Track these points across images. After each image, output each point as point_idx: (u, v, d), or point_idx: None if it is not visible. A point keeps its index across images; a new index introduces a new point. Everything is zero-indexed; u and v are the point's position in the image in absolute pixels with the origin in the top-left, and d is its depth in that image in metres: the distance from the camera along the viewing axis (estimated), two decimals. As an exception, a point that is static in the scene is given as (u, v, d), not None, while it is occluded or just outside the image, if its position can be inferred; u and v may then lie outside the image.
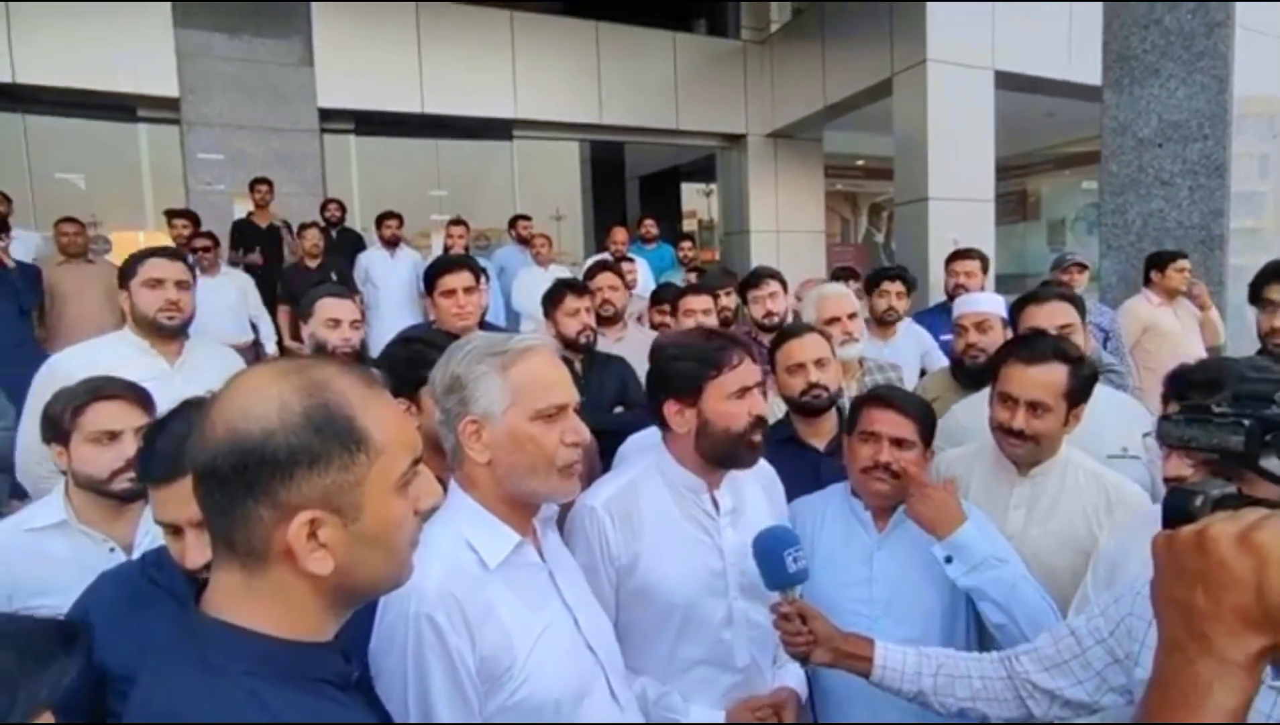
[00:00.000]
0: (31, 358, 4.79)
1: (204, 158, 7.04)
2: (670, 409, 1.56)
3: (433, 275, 2.65)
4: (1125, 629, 1.15)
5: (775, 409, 2.36)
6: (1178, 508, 0.70)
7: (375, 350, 2.91)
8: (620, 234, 6.61)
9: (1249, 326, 2.68)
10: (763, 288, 3.26)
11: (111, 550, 1.63)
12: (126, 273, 2.27)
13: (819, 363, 2.14)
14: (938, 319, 3.71)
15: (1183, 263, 4.41)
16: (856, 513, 1.79)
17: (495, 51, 8.26)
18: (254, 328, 5.69)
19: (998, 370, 1.84)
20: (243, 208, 6.63)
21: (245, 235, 6.37)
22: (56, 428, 1.63)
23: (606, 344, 3.23)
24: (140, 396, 1.68)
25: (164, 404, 1.47)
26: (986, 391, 1.91)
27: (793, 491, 1.88)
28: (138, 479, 1.30)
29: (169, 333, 2.29)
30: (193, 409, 1.24)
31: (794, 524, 1.75)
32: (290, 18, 7.29)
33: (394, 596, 0.96)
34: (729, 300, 3.79)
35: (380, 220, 6.34)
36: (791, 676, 1.63)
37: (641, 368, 2.14)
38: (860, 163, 12.80)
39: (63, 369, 2.07)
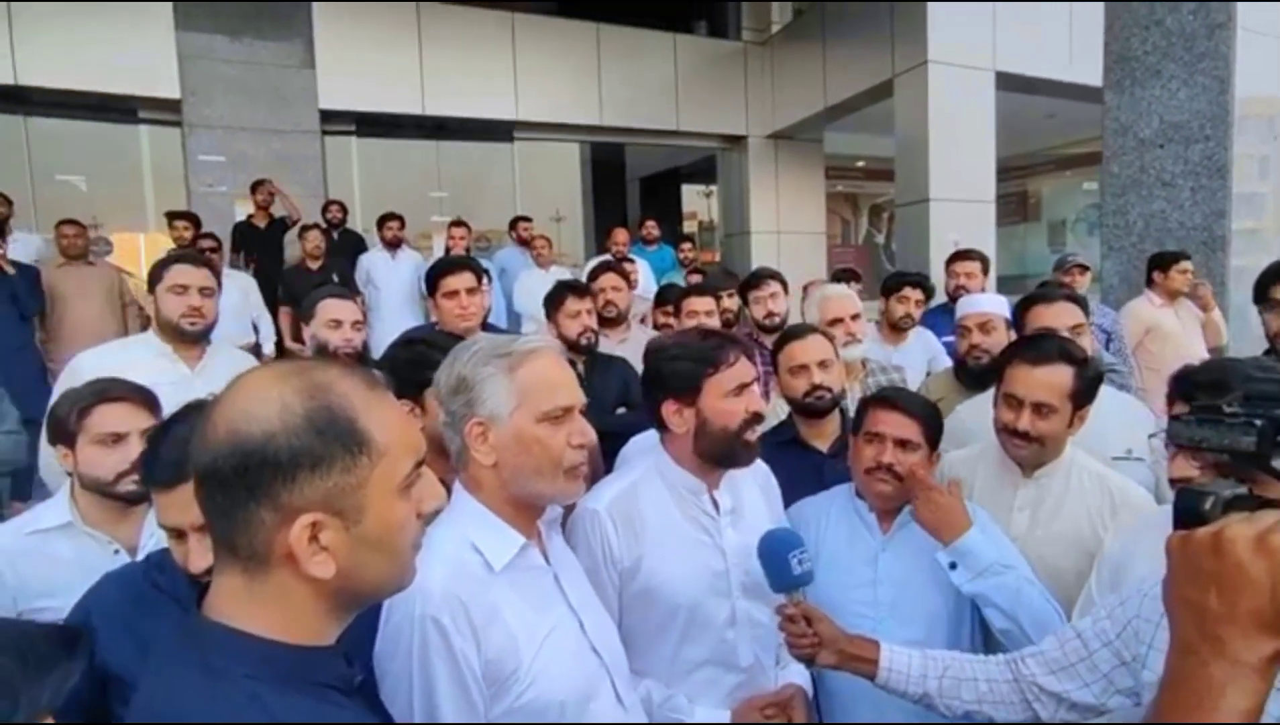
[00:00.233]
0: (33, 362, 4.82)
1: (205, 159, 7.05)
2: (669, 409, 1.56)
3: (435, 276, 2.65)
4: (1132, 631, 1.14)
5: (779, 410, 2.36)
6: (1189, 509, 0.70)
7: (377, 352, 2.91)
8: (621, 235, 6.61)
9: (1251, 327, 2.67)
10: (763, 289, 3.26)
11: (116, 552, 1.63)
12: (153, 277, 2.31)
13: (822, 364, 2.13)
14: (939, 320, 3.71)
15: (1186, 264, 4.41)
16: (861, 514, 1.78)
17: (496, 53, 8.26)
18: (254, 329, 5.69)
19: (1002, 371, 1.83)
20: (244, 209, 6.63)
21: (246, 237, 6.37)
22: (62, 429, 1.63)
23: (610, 345, 3.22)
24: (146, 399, 1.68)
25: None
26: (990, 392, 1.90)
27: (796, 493, 1.88)
28: (141, 482, 1.29)
29: (191, 338, 2.31)
30: (196, 412, 1.23)
31: (798, 525, 1.75)
32: (291, 20, 7.29)
33: (399, 599, 0.95)
34: (731, 302, 3.79)
35: (381, 222, 6.34)
36: (795, 675, 1.63)
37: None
38: (861, 164, 12.80)
39: (86, 369, 2.09)
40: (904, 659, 1.36)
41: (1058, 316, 2.24)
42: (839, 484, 1.89)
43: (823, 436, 2.19)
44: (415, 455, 0.81)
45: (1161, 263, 4.46)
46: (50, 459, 2.12)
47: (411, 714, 1.09)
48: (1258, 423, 0.75)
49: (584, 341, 2.88)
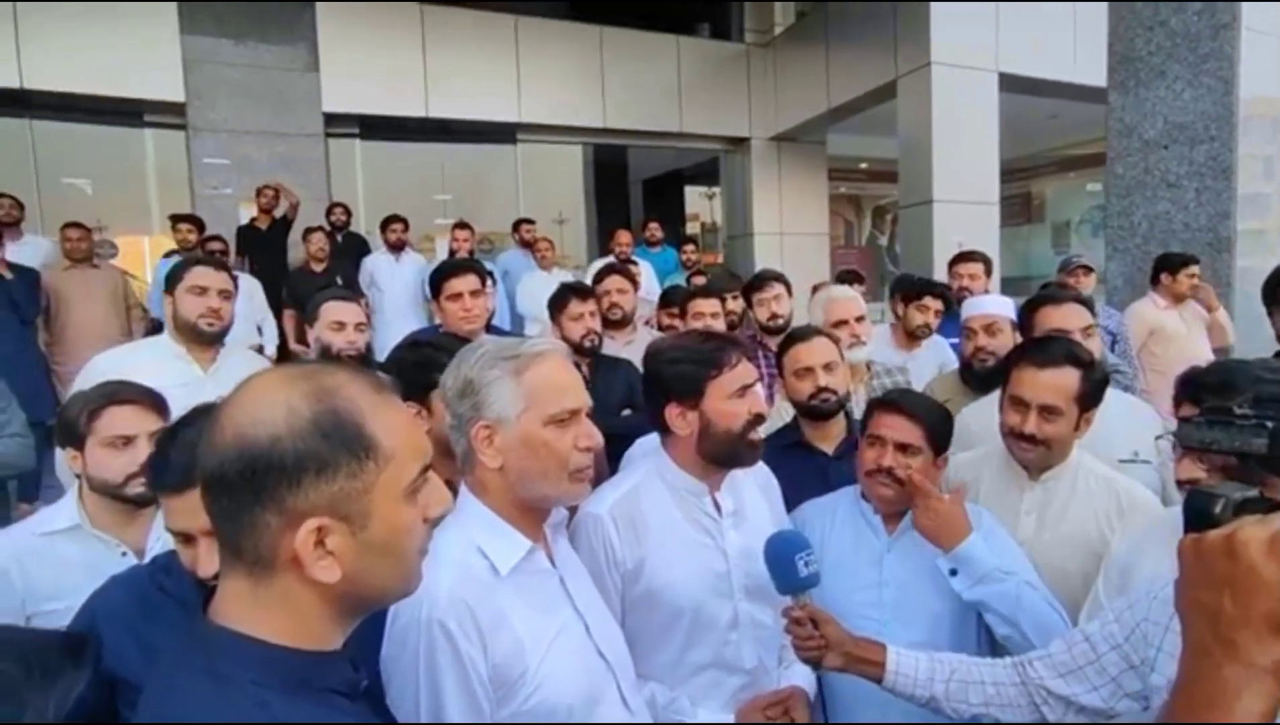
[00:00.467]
0: (36, 365, 4.83)
1: (210, 162, 7.07)
2: (672, 412, 1.56)
3: (439, 279, 2.65)
4: (1141, 634, 1.14)
5: (783, 413, 2.36)
6: (1199, 511, 0.70)
7: (381, 354, 2.91)
8: (625, 236, 6.61)
9: (1257, 328, 2.66)
10: (767, 290, 3.26)
11: (124, 554, 1.64)
12: (173, 278, 2.34)
13: (827, 366, 2.13)
14: (945, 322, 3.70)
15: (1193, 269, 4.40)
16: (866, 516, 1.78)
17: (499, 56, 8.28)
18: (258, 331, 5.70)
19: (1008, 374, 1.83)
20: (248, 212, 6.65)
21: (249, 240, 6.38)
22: (72, 432, 1.64)
23: (615, 347, 3.22)
24: (155, 401, 1.69)
25: None
26: (996, 395, 1.89)
27: (801, 496, 1.88)
28: (150, 487, 1.29)
29: (208, 339, 2.34)
30: (205, 416, 1.24)
31: (803, 527, 1.75)
32: (295, 23, 7.32)
33: (405, 603, 0.95)
34: (735, 304, 3.79)
35: (385, 224, 6.35)
36: (798, 676, 1.62)
37: (651, 372, 2.14)
38: (864, 165, 12.78)
39: (102, 370, 2.11)
40: (910, 661, 1.36)
41: (1067, 318, 2.23)
42: (844, 486, 1.89)
43: (828, 439, 2.18)
44: (422, 460, 0.80)
45: (1169, 265, 4.44)
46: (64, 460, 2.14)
47: (418, 718, 1.09)
48: (1269, 425, 0.75)
49: (587, 344, 2.89)
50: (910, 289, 3.60)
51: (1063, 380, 1.73)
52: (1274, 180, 5.19)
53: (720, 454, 1.55)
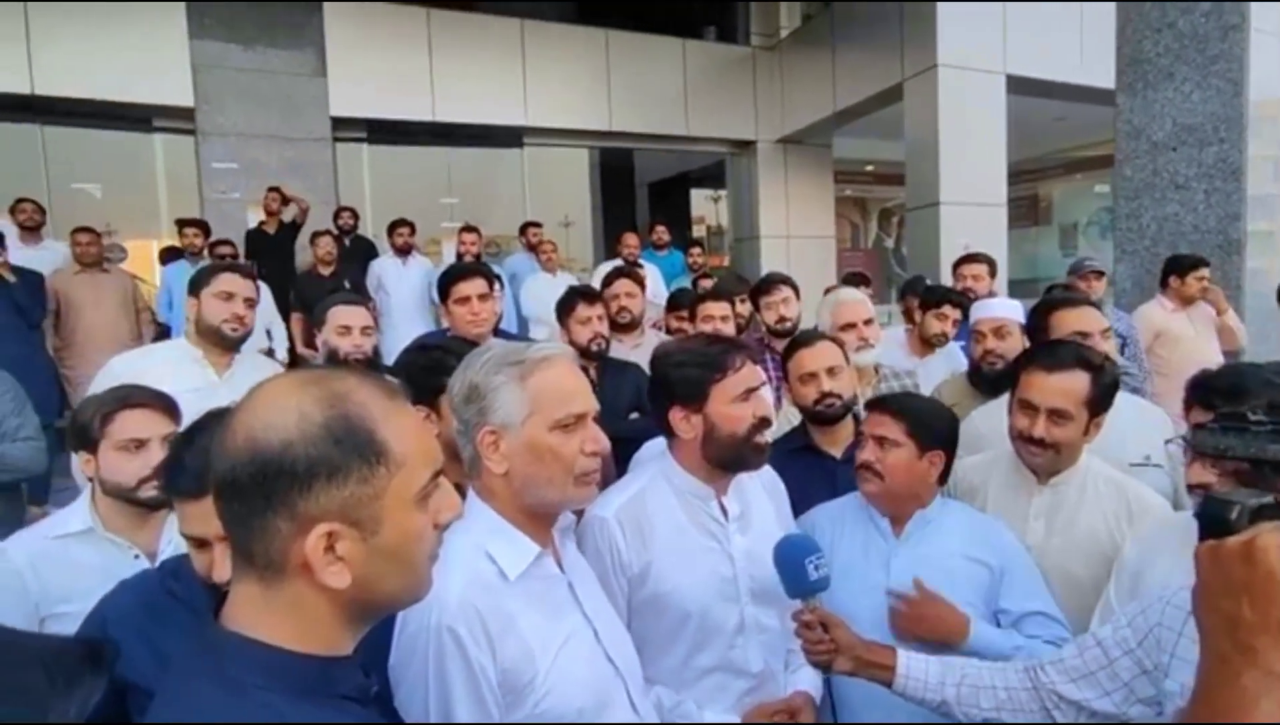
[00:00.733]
0: (43, 369, 4.85)
1: (218, 167, 7.11)
2: (676, 416, 1.56)
3: (447, 283, 2.66)
4: (1154, 640, 1.13)
5: (791, 417, 2.36)
6: (1214, 518, 0.69)
7: (388, 358, 2.92)
8: (632, 239, 6.62)
9: (1268, 330, 2.65)
10: (775, 293, 3.25)
11: (136, 557, 1.65)
12: (198, 282, 2.37)
13: (831, 371, 2.12)
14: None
15: (1203, 272, 4.36)
16: (874, 519, 1.77)
17: (506, 60, 8.31)
18: (267, 335, 5.72)
19: (1017, 377, 1.82)
20: (256, 216, 6.68)
21: (257, 244, 6.41)
22: (85, 436, 1.65)
23: (624, 351, 3.22)
24: (167, 405, 1.71)
25: None
26: (1005, 398, 1.89)
27: (809, 499, 1.87)
28: (164, 492, 1.30)
29: (229, 344, 2.37)
30: (218, 421, 1.24)
31: (812, 531, 1.75)
32: (303, 28, 7.36)
33: (414, 608, 0.95)
34: (742, 307, 3.78)
35: (392, 228, 6.36)
36: (805, 681, 1.62)
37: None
38: (870, 168, 12.78)
39: (118, 373, 2.13)
40: (921, 665, 1.36)
41: (1083, 321, 2.21)
42: (852, 490, 1.88)
43: (835, 442, 2.17)
44: (433, 465, 0.80)
45: (1178, 268, 4.41)
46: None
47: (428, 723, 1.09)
48: (1285, 430, 0.75)
49: (595, 347, 2.89)
50: (928, 296, 3.58)
51: (1072, 384, 1.72)
52: (1283, 181, 5.16)
53: (725, 457, 1.54)
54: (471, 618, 1.10)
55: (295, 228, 6.55)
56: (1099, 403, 1.74)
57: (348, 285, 5.73)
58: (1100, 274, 4.74)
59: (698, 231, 12.64)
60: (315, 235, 6.10)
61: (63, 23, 6.41)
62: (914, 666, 1.35)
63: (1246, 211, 4.74)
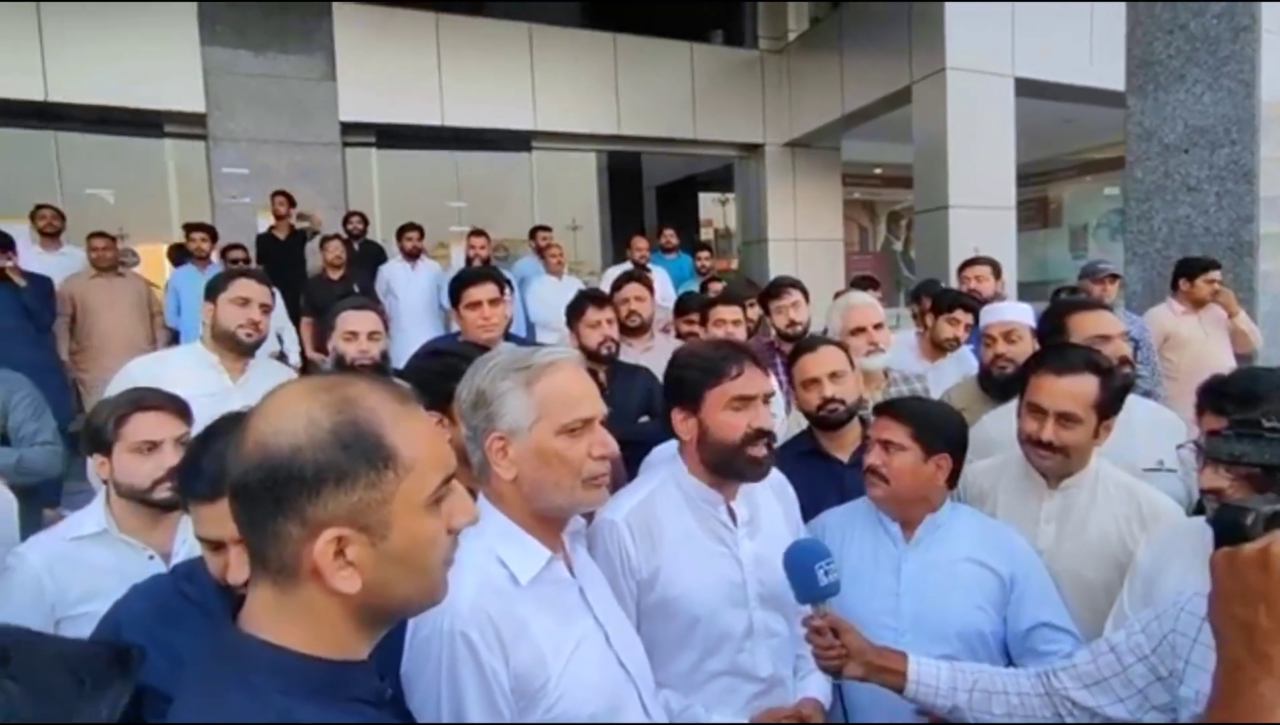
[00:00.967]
0: (55, 372, 4.89)
1: (229, 172, 7.16)
2: (677, 417, 1.58)
3: (458, 287, 2.67)
4: (1169, 646, 1.13)
5: (801, 421, 2.35)
6: (1229, 525, 0.69)
7: (398, 362, 2.93)
8: (641, 242, 6.63)
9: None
10: (785, 297, 3.25)
11: (150, 558, 1.67)
12: (214, 288, 2.39)
13: (834, 376, 2.12)
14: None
15: (1214, 274, 4.32)
16: (884, 524, 1.77)
17: (514, 64, 8.34)
18: (279, 339, 5.76)
19: (1027, 380, 1.82)
20: (266, 220, 6.73)
21: (267, 249, 6.45)
22: (99, 438, 1.67)
23: (634, 354, 3.22)
24: (179, 407, 1.72)
25: None
26: (1016, 402, 1.88)
27: (817, 503, 1.87)
28: (179, 495, 1.31)
29: (244, 349, 2.39)
30: (234, 425, 1.25)
31: (821, 535, 1.75)
32: (313, 34, 7.41)
33: (427, 614, 0.95)
34: (751, 311, 3.78)
35: (401, 232, 6.39)
36: (814, 687, 1.61)
37: (669, 379, 2.15)
38: (878, 171, 12.75)
39: (135, 376, 2.15)
40: (932, 671, 1.35)
41: (1102, 324, 2.19)
42: (859, 494, 1.88)
43: (842, 446, 2.17)
44: (444, 471, 0.80)
45: (1188, 270, 4.38)
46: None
47: None
48: (1300, 437, 0.74)
49: (604, 351, 2.89)
50: (940, 300, 3.57)
51: (1081, 387, 1.71)
52: (1295, 183, 5.12)
53: (719, 464, 1.55)
54: (484, 623, 1.11)
55: (305, 234, 6.59)
56: (1108, 406, 1.73)
57: (357, 289, 5.76)
58: (1115, 277, 4.70)
59: (705, 235, 12.64)
60: (325, 239, 6.14)
61: (76, 30, 6.47)
62: (924, 672, 1.35)
63: (1259, 213, 4.71)
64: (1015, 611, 1.65)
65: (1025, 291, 8.07)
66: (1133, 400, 1.82)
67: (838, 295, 4.31)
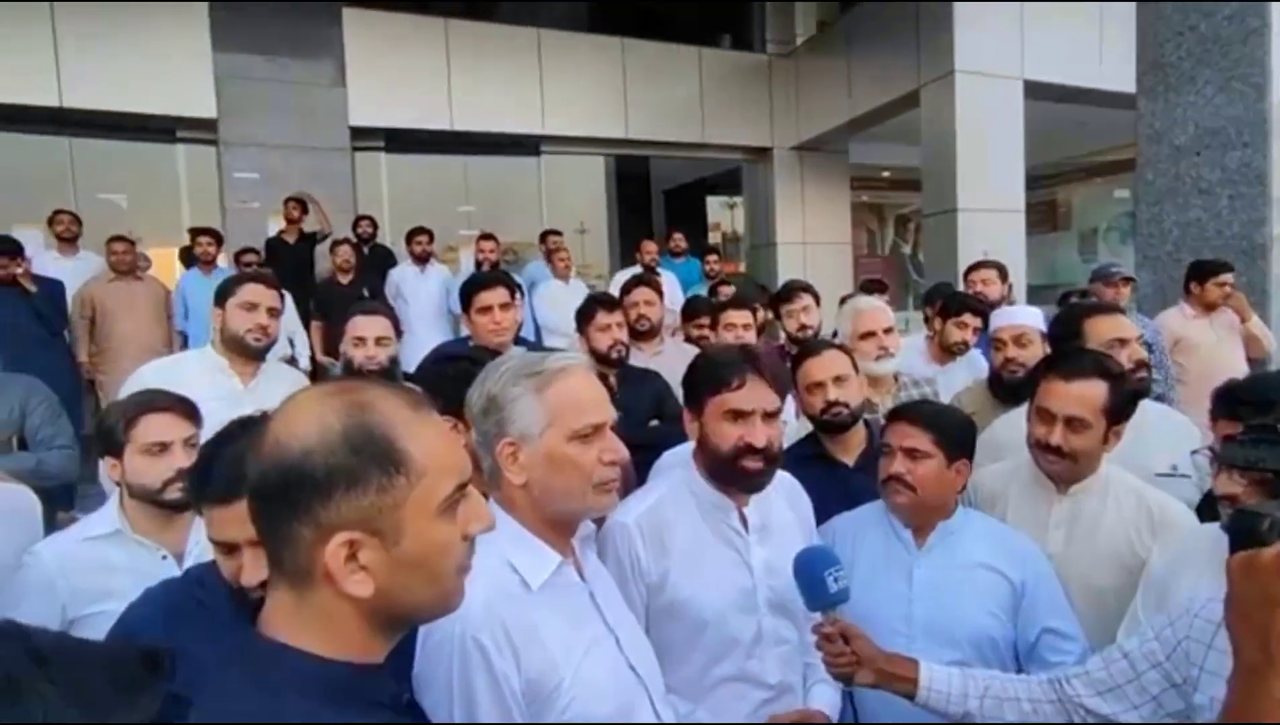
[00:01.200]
0: (67, 376, 4.92)
1: (239, 176, 7.21)
2: (686, 417, 1.61)
3: (469, 292, 2.68)
4: (1183, 653, 1.12)
5: (805, 425, 2.35)
6: (1245, 530, 0.69)
7: (407, 366, 2.94)
8: (651, 246, 6.64)
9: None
10: (796, 301, 3.25)
11: (164, 558, 1.69)
12: (223, 293, 2.40)
13: (838, 380, 2.12)
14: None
15: (1224, 277, 4.28)
16: (896, 529, 1.76)
17: (523, 69, 8.36)
18: (290, 343, 5.79)
19: (1036, 385, 1.81)
20: (276, 224, 6.77)
21: (277, 253, 6.49)
22: (110, 440, 1.70)
23: (643, 358, 3.23)
24: (188, 409, 1.75)
25: None
26: (1026, 407, 1.88)
27: (822, 507, 1.86)
28: (192, 498, 1.32)
29: (252, 353, 2.40)
30: (246, 428, 1.26)
31: (832, 541, 1.74)
32: (323, 40, 7.46)
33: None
34: (759, 315, 3.78)
35: (410, 236, 6.41)
36: (823, 697, 1.60)
37: (678, 382, 2.15)
38: (886, 174, 12.72)
39: (147, 380, 2.18)
40: (944, 677, 1.35)
41: (1120, 327, 2.18)
42: (865, 497, 1.88)
43: (847, 450, 2.17)
44: (458, 476, 0.80)
45: (1199, 273, 4.35)
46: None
47: None
48: (1317, 443, 0.74)
49: (614, 355, 2.89)
50: (949, 304, 3.57)
51: (1090, 392, 1.71)
52: (1308, 186, 5.08)
53: (715, 471, 1.56)
54: (496, 628, 1.11)
55: (315, 238, 6.62)
56: (1117, 411, 1.73)
57: (366, 293, 5.79)
58: (1129, 280, 4.66)
59: (713, 238, 12.62)
60: (334, 243, 6.17)
61: (90, 37, 6.53)
62: (936, 678, 1.34)
63: (1272, 216, 4.67)
64: (1026, 618, 1.64)
65: (1035, 295, 8.03)
66: (1145, 404, 1.82)
67: (843, 299, 4.32)
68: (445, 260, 7.26)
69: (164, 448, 1.67)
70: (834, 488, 2.00)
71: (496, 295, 2.63)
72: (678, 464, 1.76)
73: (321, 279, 6.37)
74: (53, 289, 5.03)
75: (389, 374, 2.51)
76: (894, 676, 1.37)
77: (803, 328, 3.21)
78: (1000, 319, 2.67)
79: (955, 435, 1.71)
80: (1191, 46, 4.91)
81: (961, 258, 7.09)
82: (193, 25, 6.92)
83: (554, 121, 8.54)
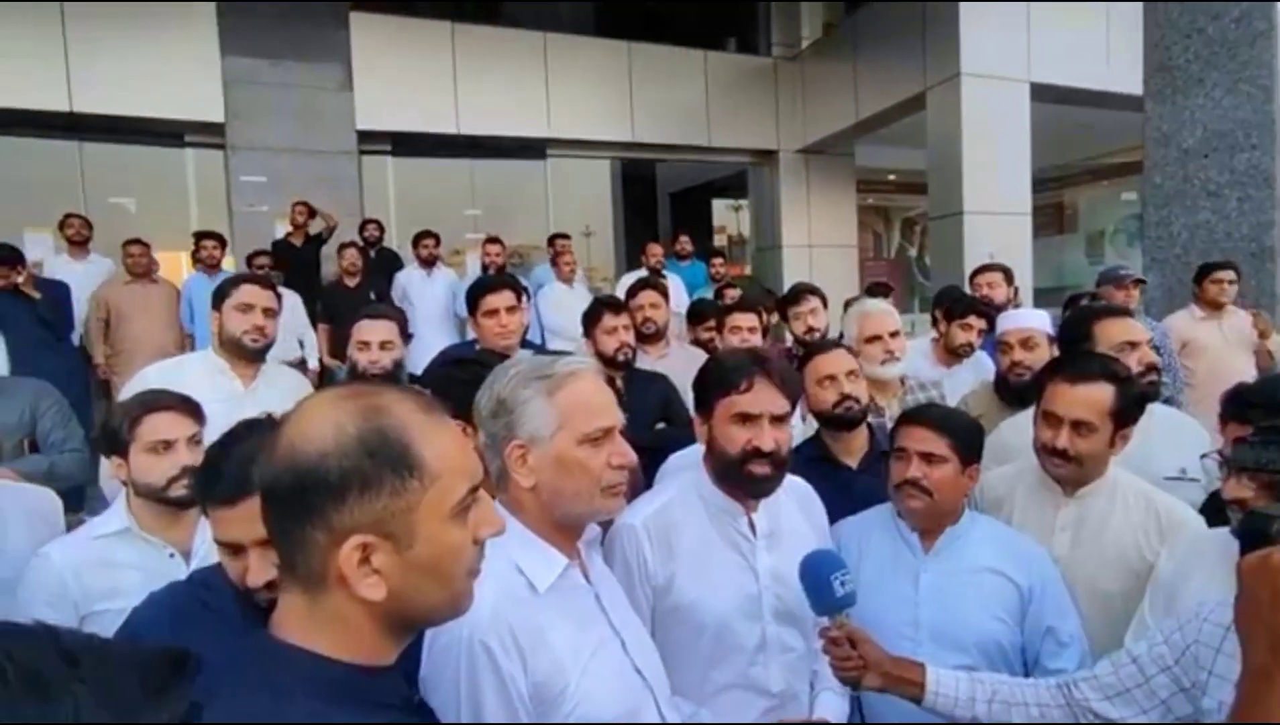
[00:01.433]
0: (76, 380, 4.94)
1: (247, 180, 7.24)
2: (697, 420, 1.61)
3: (476, 295, 2.69)
4: (1191, 657, 1.12)
5: (811, 424, 2.35)
6: (1256, 532, 0.69)
7: (414, 369, 2.95)
8: (657, 248, 6.65)
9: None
10: (803, 304, 3.25)
11: (171, 556, 1.71)
12: (220, 295, 2.42)
13: (849, 375, 2.12)
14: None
15: (1220, 274, 4.27)
16: (903, 533, 1.76)
17: (529, 73, 8.38)
18: (300, 344, 5.82)
19: (1043, 388, 1.81)
20: (284, 227, 6.80)
21: (283, 256, 6.51)
22: (115, 440, 1.71)
23: (649, 362, 3.23)
24: (191, 407, 1.77)
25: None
26: (1033, 410, 1.87)
27: (826, 510, 1.86)
28: (199, 499, 1.33)
29: (250, 355, 2.41)
30: (253, 430, 1.27)
31: (838, 544, 1.74)
32: (330, 44, 7.49)
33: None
34: (765, 318, 3.78)
35: (417, 240, 6.43)
36: (829, 705, 1.59)
37: (684, 385, 2.15)
38: (892, 177, 12.71)
39: (150, 381, 2.19)
40: (951, 681, 1.34)
41: (1131, 330, 2.17)
42: (869, 500, 1.87)
43: (851, 452, 2.17)
44: (470, 480, 0.81)
45: (1201, 274, 4.36)
46: (108, 470, 2.22)
47: None
48: (1326, 446, 0.74)
49: (621, 357, 2.89)
50: (954, 307, 3.56)
51: (1096, 395, 1.70)
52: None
53: (722, 474, 1.55)
54: (503, 631, 1.11)
55: (321, 240, 6.65)
56: (1124, 415, 1.72)
57: (373, 296, 5.81)
58: (1140, 282, 4.63)
59: (719, 241, 12.62)
60: (341, 246, 6.20)
61: (99, 43, 6.58)
62: (943, 682, 1.34)
63: (1280, 219, 4.66)
64: (1033, 623, 1.64)
65: (1042, 298, 8.01)
66: (1153, 407, 1.81)
67: (848, 303, 4.32)
68: (451, 263, 7.28)
69: (168, 446, 1.69)
70: (838, 490, 1.99)
71: (503, 298, 2.63)
72: (684, 467, 1.76)
73: (328, 282, 6.40)
74: (58, 293, 5.05)
75: (393, 378, 2.52)
76: (901, 680, 1.36)
77: (810, 330, 3.21)
78: (1007, 322, 2.66)
79: (968, 439, 1.71)
80: (1199, 49, 4.90)
81: (967, 261, 7.07)
82: (201, 30, 6.96)
83: (560, 125, 8.56)
